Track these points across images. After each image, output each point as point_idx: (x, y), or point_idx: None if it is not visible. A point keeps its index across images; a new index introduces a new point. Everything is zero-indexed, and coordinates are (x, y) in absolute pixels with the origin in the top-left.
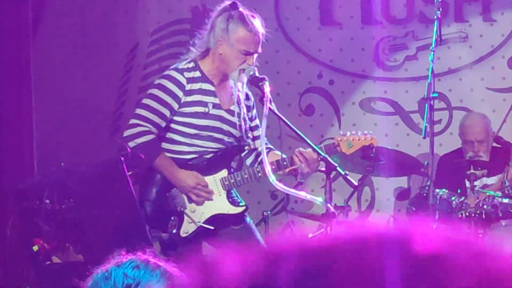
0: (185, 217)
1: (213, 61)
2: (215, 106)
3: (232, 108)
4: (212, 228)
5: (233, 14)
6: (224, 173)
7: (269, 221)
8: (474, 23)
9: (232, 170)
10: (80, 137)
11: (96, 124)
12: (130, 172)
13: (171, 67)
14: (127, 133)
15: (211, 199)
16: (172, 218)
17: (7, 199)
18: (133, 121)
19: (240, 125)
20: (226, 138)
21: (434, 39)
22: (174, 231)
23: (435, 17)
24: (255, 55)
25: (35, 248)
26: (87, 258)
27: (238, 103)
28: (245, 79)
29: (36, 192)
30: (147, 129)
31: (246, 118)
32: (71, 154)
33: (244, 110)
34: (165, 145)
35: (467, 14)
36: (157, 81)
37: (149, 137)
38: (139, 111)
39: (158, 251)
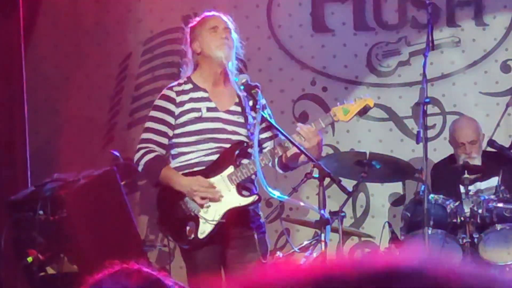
0: (200, 220)
1: (200, 66)
2: (211, 109)
3: (232, 108)
4: (224, 221)
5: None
6: (230, 169)
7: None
8: (466, 27)
9: (238, 164)
10: (73, 147)
11: (90, 134)
12: (124, 182)
13: (166, 86)
14: (134, 159)
15: (218, 200)
16: (189, 223)
17: (1, 210)
18: (137, 146)
19: (243, 123)
20: (233, 138)
21: (426, 44)
22: (193, 235)
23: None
24: (227, 31)
25: (30, 259)
26: (82, 268)
27: (240, 102)
28: (226, 52)
29: (29, 203)
30: (148, 149)
31: (249, 117)
32: (65, 164)
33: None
34: (174, 161)
35: (459, 19)
36: (154, 102)
37: (151, 155)
38: (142, 134)
39: (154, 260)
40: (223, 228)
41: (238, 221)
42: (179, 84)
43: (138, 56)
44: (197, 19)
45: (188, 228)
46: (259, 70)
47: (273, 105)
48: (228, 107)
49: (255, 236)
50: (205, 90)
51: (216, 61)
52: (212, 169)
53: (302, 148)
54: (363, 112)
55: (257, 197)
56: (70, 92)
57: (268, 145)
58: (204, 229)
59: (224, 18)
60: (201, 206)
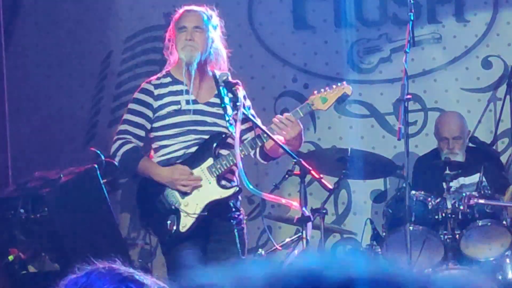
0: (181, 213)
1: (178, 63)
2: (189, 102)
3: (212, 100)
4: (206, 214)
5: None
6: (210, 161)
7: (246, 226)
8: (447, 24)
9: (217, 156)
10: (55, 145)
11: (71, 132)
12: (105, 180)
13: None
14: (111, 150)
15: (200, 185)
16: (170, 217)
17: None
18: (114, 137)
19: (222, 114)
20: (214, 129)
21: (407, 40)
22: (174, 229)
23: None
24: (199, 34)
25: (11, 257)
26: (63, 267)
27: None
28: (188, 54)
29: (11, 202)
30: (125, 140)
31: (228, 107)
32: (46, 163)
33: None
34: (155, 155)
35: (440, 15)
36: (133, 96)
37: (128, 146)
38: (119, 126)
39: (135, 257)
40: (205, 222)
41: (219, 214)
42: (158, 78)
43: (119, 54)
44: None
45: (169, 222)
46: (240, 67)
47: (254, 102)
48: (208, 99)
49: (236, 231)
50: (183, 83)
51: (182, 61)
52: (191, 162)
53: (283, 146)
54: (341, 100)
55: (237, 189)
56: (51, 90)
57: (248, 136)
58: (186, 223)
59: (200, 14)
60: (184, 194)
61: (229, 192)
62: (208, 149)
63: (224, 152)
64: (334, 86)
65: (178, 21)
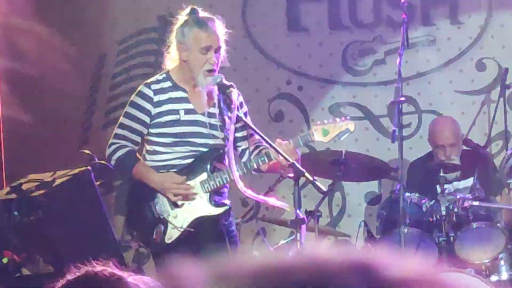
0: (169, 224)
1: (181, 68)
2: (188, 111)
3: (211, 110)
4: (192, 230)
5: (187, 19)
6: (203, 176)
7: (241, 229)
8: (441, 26)
9: (212, 172)
10: (49, 147)
11: (66, 134)
12: (99, 182)
13: (144, 82)
14: (106, 154)
15: (193, 197)
16: (157, 226)
17: None
18: (110, 141)
19: (220, 126)
20: (211, 141)
21: (402, 43)
22: (159, 240)
23: (404, 21)
24: (217, 54)
25: (5, 260)
26: (57, 269)
27: (219, 103)
28: (210, 82)
29: (4, 204)
30: (120, 144)
31: (227, 119)
32: (40, 165)
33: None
34: (149, 157)
35: (435, 18)
36: (131, 98)
37: (123, 150)
38: (116, 130)
39: (130, 260)
40: (194, 235)
41: (209, 228)
42: (158, 81)
43: (114, 56)
44: (192, 15)
45: (155, 231)
46: (234, 70)
47: (248, 105)
48: (207, 109)
49: (227, 243)
50: (184, 90)
51: (201, 86)
52: (186, 173)
53: (277, 148)
54: (343, 134)
55: (228, 207)
56: (45, 92)
57: (243, 145)
58: (172, 235)
59: (217, 29)
60: (175, 205)
61: (219, 210)
62: (203, 164)
63: (221, 166)
64: (337, 120)
65: (200, 40)
